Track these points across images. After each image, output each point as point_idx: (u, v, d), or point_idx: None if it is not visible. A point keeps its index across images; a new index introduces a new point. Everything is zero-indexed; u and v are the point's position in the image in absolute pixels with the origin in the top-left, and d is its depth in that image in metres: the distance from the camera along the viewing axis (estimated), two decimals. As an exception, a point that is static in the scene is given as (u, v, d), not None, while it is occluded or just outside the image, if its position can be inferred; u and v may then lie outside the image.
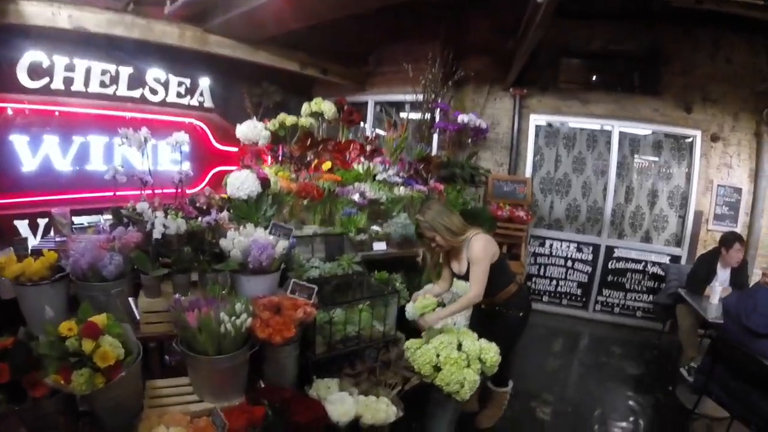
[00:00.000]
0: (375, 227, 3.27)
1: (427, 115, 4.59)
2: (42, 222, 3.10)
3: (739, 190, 4.36)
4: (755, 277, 3.84)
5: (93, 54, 3.36)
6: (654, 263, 4.57)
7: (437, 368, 2.19)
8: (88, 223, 3.33)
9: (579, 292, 4.82)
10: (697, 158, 4.41)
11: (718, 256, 3.57)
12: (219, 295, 1.95)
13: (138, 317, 2.01)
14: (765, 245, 4.24)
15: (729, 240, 3.48)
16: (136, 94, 3.68)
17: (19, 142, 2.97)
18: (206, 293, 1.99)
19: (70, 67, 3.24)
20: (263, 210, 2.65)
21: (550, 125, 4.84)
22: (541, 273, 4.91)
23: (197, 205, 2.41)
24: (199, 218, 2.31)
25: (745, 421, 2.39)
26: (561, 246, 4.83)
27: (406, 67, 4.44)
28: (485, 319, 2.60)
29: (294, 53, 4.45)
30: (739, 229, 4.31)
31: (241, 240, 2.21)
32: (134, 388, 1.68)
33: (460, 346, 2.27)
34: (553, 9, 2.50)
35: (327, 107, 3.81)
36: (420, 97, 4.51)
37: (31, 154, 3.04)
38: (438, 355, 2.20)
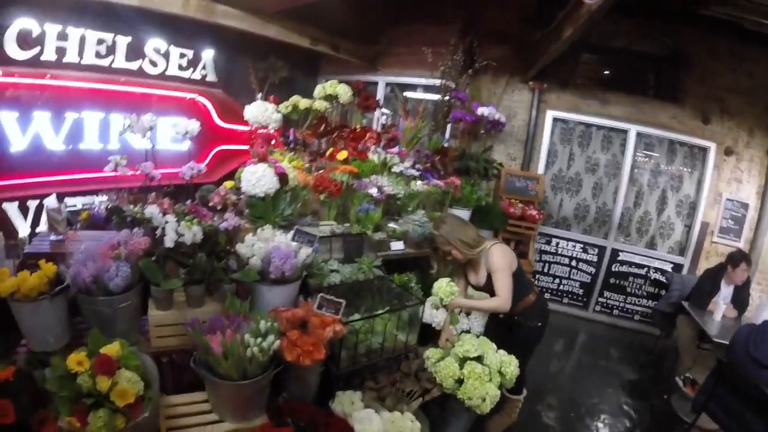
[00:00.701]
0: (392, 225, 3.14)
1: (444, 100, 4.37)
2: (32, 204, 2.86)
3: (746, 206, 4.37)
4: (752, 292, 3.89)
5: (88, 22, 3.01)
6: (656, 269, 4.61)
7: (459, 381, 2.16)
8: (83, 205, 3.10)
9: (581, 291, 4.85)
10: (709, 170, 4.38)
11: (723, 272, 3.58)
12: (241, 311, 1.82)
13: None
14: (765, 262, 4.30)
15: (736, 259, 3.48)
16: (134, 66, 3.34)
17: (6, 119, 2.66)
18: (225, 309, 1.85)
19: (62, 36, 2.89)
20: (281, 208, 2.48)
21: (565, 122, 4.70)
22: (545, 270, 4.91)
23: (210, 204, 2.22)
24: (213, 219, 2.14)
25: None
26: (567, 245, 4.81)
27: (423, 50, 4.20)
28: (501, 328, 2.59)
29: (305, 28, 4.13)
30: (742, 244, 4.36)
31: (260, 246, 2.06)
32: (152, 413, 1.56)
33: (479, 358, 2.24)
34: (607, 9, 2.30)
35: (342, 90, 3.58)
36: (436, 81, 4.29)
37: (21, 132, 2.74)
38: (462, 366, 2.17)
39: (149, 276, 1.84)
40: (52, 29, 2.81)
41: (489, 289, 2.48)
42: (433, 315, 2.59)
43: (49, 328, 1.66)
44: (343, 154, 3.22)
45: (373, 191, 2.99)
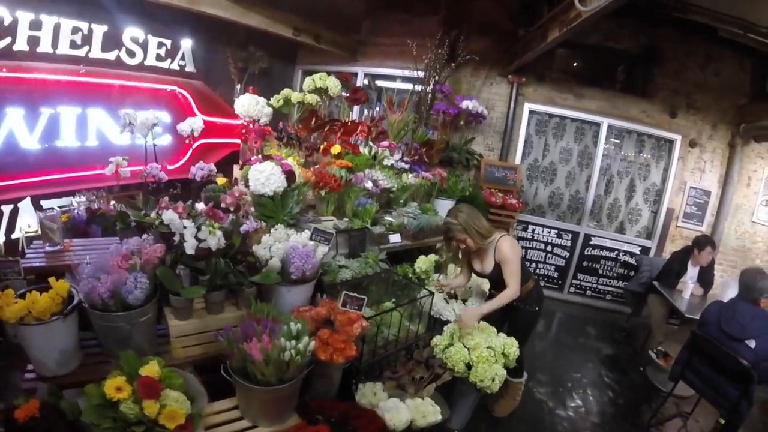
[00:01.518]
0: (388, 218, 3.17)
1: (427, 93, 4.39)
2: (6, 209, 2.62)
3: (708, 193, 4.75)
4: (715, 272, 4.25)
5: (63, 10, 2.78)
6: (626, 252, 4.94)
7: (468, 365, 2.28)
8: (60, 207, 2.88)
9: (556, 275, 5.12)
10: (674, 160, 4.71)
11: (689, 254, 3.89)
12: (270, 315, 1.80)
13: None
14: (725, 244, 4.73)
15: (702, 243, 3.79)
16: (111, 56, 3.11)
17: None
18: (251, 313, 1.82)
19: (36, 25, 2.65)
20: (289, 207, 2.44)
21: (541, 114, 4.89)
22: (522, 255, 5.11)
23: (222, 206, 2.15)
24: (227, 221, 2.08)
25: (715, 404, 2.75)
26: (542, 231, 5.05)
27: (405, 41, 4.21)
28: (500, 314, 2.70)
29: (288, 17, 3.99)
30: (705, 228, 4.74)
31: (278, 247, 2.03)
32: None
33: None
34: (600, 16, 2.41)
35: (332, 83, 3.54)
36: (419, 73, 4.30)
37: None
38: (469, 352, 2.29)
39: (168, 285, 1.76)
40: (24, 17, 2.55)
41: (493, 277, 2.59)
42: (441, 309, 2.68)
43: (62, 351, 1.56)
44: (336, 149, 3.20)
45: (369, 185, 3.00)
